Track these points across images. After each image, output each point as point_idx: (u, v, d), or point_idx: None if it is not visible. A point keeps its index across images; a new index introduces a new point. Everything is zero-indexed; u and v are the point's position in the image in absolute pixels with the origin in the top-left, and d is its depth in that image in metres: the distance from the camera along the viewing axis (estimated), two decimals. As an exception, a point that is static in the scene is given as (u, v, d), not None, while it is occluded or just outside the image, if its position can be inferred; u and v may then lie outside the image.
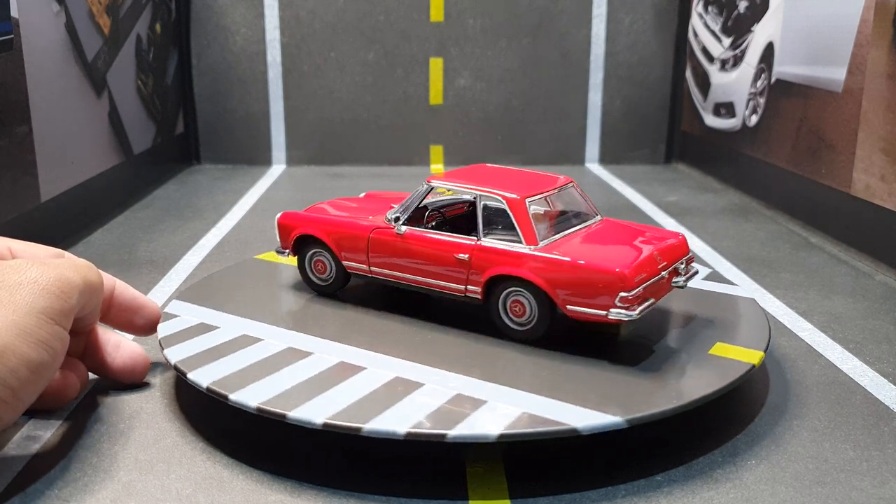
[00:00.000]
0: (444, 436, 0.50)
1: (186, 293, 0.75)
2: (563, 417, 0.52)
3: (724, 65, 1.59)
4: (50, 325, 0.52)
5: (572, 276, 0.61)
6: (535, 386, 0.57)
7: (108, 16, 1.32)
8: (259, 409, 0.54)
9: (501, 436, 0.51)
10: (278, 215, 0.77)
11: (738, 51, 1.52)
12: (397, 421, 0.52)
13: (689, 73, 1.77)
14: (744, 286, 0.94)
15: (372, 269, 0.72)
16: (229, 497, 0.51)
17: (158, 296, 0.89)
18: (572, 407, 0.53)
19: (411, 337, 0.66)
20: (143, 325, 0.68)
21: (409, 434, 0.51)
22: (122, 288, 0.67)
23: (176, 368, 0.60)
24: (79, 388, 0.62)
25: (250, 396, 0.55)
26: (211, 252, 1.08)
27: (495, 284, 0.65)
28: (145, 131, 1.49)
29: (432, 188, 0.71)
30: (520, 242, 0.64)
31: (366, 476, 0.54)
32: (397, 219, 0.70)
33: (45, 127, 1.07)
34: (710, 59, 1.64)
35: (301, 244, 0.76)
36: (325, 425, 0.52)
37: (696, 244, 1.14)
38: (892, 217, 1.00)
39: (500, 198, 0.66)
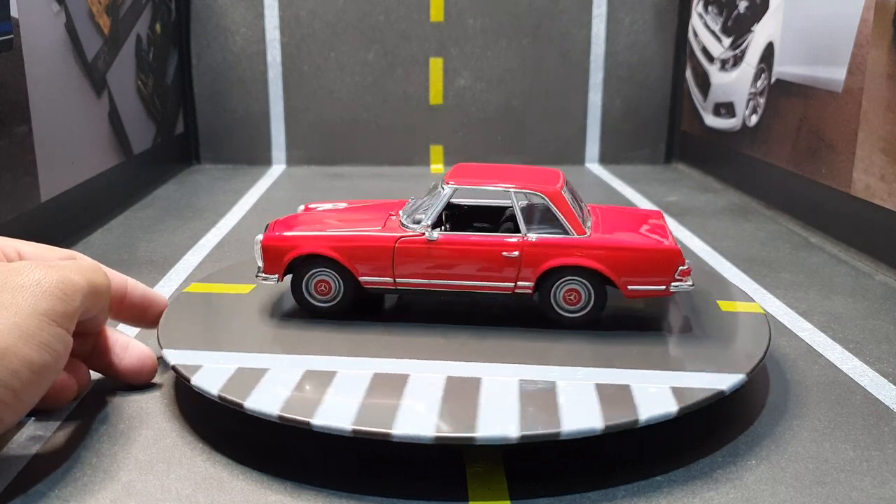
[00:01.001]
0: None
1: (169, 334, 0.65)
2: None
3: (724, 65, 1.59)
4: (52, 328, 0.52)
5: (633, 258, 0.66)
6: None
7: (108, 16, 1.32)
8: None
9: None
10: (259, 238, 0.69)
11: (738, 51, 1.52)
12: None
13: (689, 73, 1.77)
14: (744, 286, 0.94)
15: (398, 280, 0.68)
16: (229, 497, 0.51)
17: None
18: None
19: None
20: (153, 319, 0.70)
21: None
22: (134, 285, 0.68)
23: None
24: (76, 389, 0.62)
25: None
26: (211, 252, 1.08)
27: (547, 277, 0.68)
28: (145, 131, 1.49)
29: (456, 189, 0.68)
30: (567, 233, 0.67)
31: (365, 477, 0.54)
32: (417, 223, 0.68)
33: (45, 127, 1.07)
34: (710, 59, 1.64)
35: (296, 265, 0.69)
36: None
37: (696, 244, 1.14)
38: (892, 217, 1.00)
39: (539, 192, 0.68)
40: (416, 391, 0.56)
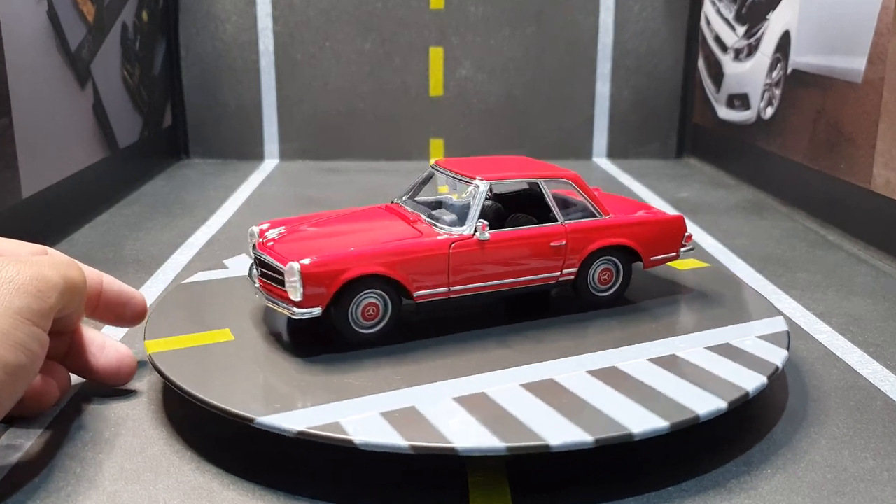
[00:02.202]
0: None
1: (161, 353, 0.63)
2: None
3: (737, 54, 1.58)
4: (27, 326, 0.52)
5: (654, 230, 0.75)
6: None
7: (93, 3, 1.31)
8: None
9: (510, 448, 0.51)
10: (296, 267, 0.61)
11: (752, 40, 1.52)
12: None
13: (701, 63, 1.77)
14: (758, 287, 0.94)
15: (452, 288, 0.67)
16: (219, 508, 0.51)
17: (145, 296, 0.89)
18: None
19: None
20: (131, 317, 0.69)
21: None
22: (110, 282, 0.67)
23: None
24: (58, 393, 0.62)
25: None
26: (200, 251, 1.08)
27: (587, 260, 0.72)
28: (131, 124, 1.49)
29: (490, 186, 0.69)
30: (595, 215, 0.73)
31: (362, 487, 0.53)
32: (455, 224, 0.68)
33: (27, 119, 1.06)
34: (724, 48, 1.64)
35: (342, 290, 0.63)
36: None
37: (708, 242, 1.14)
38: (914, 214, 1.00)
39: (565, 178, 0.73)
40: (507, 405, 0.55)
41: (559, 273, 0.71)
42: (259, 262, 0.67)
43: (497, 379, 0.59)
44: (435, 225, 0.68)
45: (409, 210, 0.72)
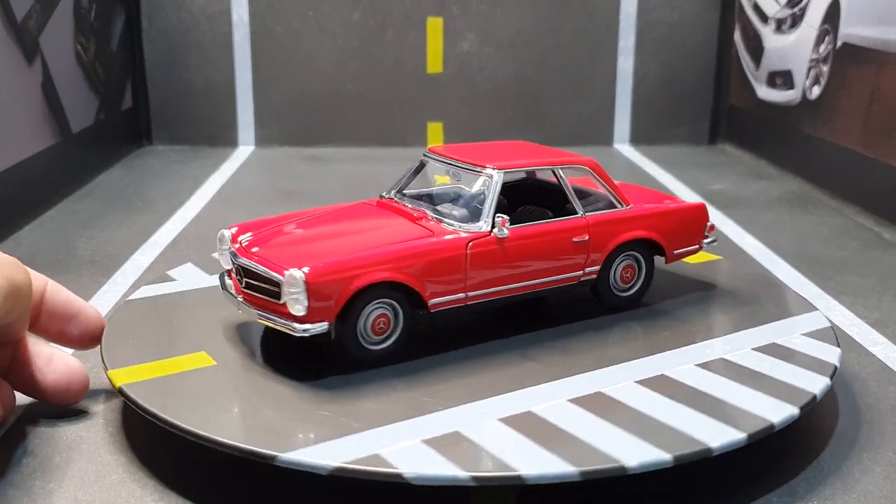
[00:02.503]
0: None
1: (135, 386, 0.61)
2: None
3: (780, 25, 1.58)
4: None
5: (677, 220, 0.77)
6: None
7: (42, -33, 1.32)
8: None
9: (583, 473, 0.51)
10: (298, 275, 0.60)
11: (796, 9, 1.52)
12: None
13: (737, 36, 1.77)
14: (804, 292, 0.94)
15: (469, 294, 0.66)
16: (186, 545, 0.51)
17: (101, 303, 0.89)
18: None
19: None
20: (80, 335, 0.67)
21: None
22: (55, 290, 0.66)
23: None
24: (2, 413, 0.61)
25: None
26: (165, 251, 1.08)
27: (611, 257, 0.73)
28: (86, 105, 1.49)
29: (504, 175, 0.69)
30: (615, 206, 0.74)
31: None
32: (467, 220, 0.68)
33: (-34, 100, 1.06)
34: (764, 18, 1.64)
35: (351, 301, 0.62)
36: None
37: (746, 241, 1.14)
38: (982, 208, 1.00)
39: (582, 164, 0.74)
40: (560, 423, 0.56)
41: (581, 272, 0.72)
42: (242, 271, 0.65)
43: (539, 395, 0.60)
44: (443, 222, 0.68)
45: (409, 205, 0.72)
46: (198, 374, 0.63)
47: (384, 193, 0.76)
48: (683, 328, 0.72)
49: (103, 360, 0.64)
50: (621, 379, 0.62)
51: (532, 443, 0.53)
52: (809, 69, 1.46)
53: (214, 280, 0.81)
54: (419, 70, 1.78)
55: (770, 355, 0.66)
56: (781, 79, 1.57)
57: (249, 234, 0.69)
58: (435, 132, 1.80)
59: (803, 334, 0.70)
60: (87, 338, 0.68)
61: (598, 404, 0.58)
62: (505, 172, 0.70)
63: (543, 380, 0.62)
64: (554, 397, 0.59)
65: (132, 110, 1.74)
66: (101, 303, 0.89)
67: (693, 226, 0.78)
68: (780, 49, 1.58)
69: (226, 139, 1.79)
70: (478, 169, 0.70)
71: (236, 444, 0.53)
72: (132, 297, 0.78)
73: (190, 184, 1.45)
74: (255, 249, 0.65)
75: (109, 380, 0.62)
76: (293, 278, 0.60)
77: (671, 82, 1.82)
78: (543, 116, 1.81)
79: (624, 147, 1.82)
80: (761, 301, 0.78)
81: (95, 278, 0.97)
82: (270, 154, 1.73)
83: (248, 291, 0.65)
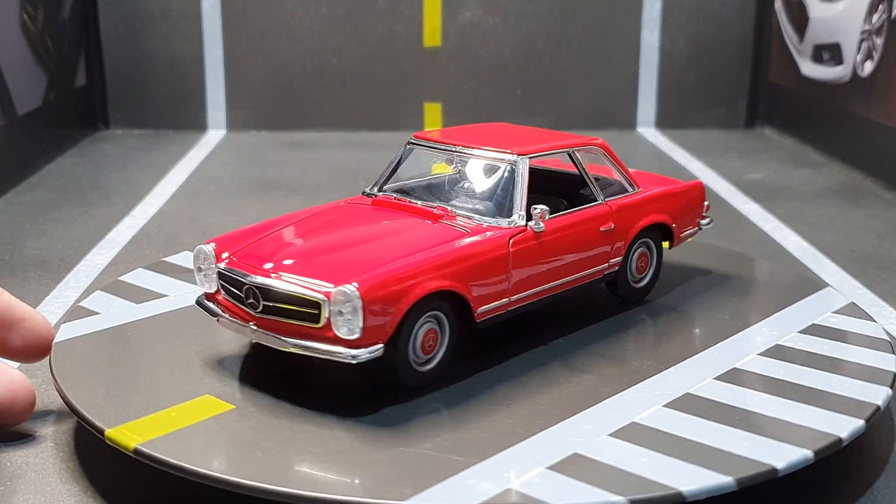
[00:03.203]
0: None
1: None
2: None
3: (827, -8, 1.58)
4: None
5: (682, 202, 0.81)
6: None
7: (-17, -75, 1.31)
8: None
9: (739, 481, 0.53)
10: (351, 291, 0.58)
11: (846, -27, 1.52)
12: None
13: (778, 4, 1.76)
14: (855, 297, 0.94)
15: (512, 298, 0.67)
16: (148, 588, 0.51)
17: (50, 310, 0.89)
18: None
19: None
20: (24, 345, 0.67)
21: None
22: None
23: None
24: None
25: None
26: (124, 250, 1.08)
27: (631, 245, 0.77)
28: (33, 83, 1.49)
29: (528, 162, 0.71)
30: (627, 189, 0.77)
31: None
32: (495, 216, 0.69)
33: None
34: (809, -16, 1.64)
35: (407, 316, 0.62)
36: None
37: (788, 239, 1.13)
38: None
39: (593, 145, 0.76)
40: (675, 430, 0.59)
41: (606, 264, 0.75)
42: (258, 293, 0.62)
43: (630, 404, 0.62)
44: (473, 218, 0.68)
45: (420, 202, 0.71)
46: (221, 422, 0.60)
47: (369, 189, 0.75)
48: (721, 333, 0.74)
49: (85, 418, 0.60)
50: (700, 377, 0.66)
51: (663, 455, 0.55)
52: (861, 42, 1.46)
53: (177, 289, 0.81)
54: (414, 43, 1.78)
55: (821, 367, 0.67)
56: (828, 53, 1.57)
57: (241, 247, 0.66)
58: (432, 114, 1.80)
59: (855, 343, 0.71)
60: (32, 349, 0.67)
61: (695, 406, 0.62)
62: (529, 158, 0.71)
63: (619, 389, 0.64)
64: (645, 405, 0.62)
65: (86, 89, 1.74)
66: (50, 309, 0.89)
67: (694, 206, 0.83)
68: (828, 19, 1.58)
69: (193, 122, 1.79)
70: (498, 155, 0.71)
71: (339, 498, 0.52)
72: (84, 303, 0.78)
73: (152, 173, 1.45)
74: (268, 265, 0.63)
75: (113, 442, 0.58)
76: (345, 295, 0.58)
77: (702, 58, 1.82)
78: (556, 97, 1.81)
79: (649, 132, 1.81)
80: (806, 307, 0.78)
81: (44, 282, 0.97)
82: (244, 139, 1.73)
83: (268, 316, 0.62)
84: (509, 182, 0.69)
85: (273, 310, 0.62)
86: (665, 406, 0.62)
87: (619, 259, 0.75)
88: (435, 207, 0.70)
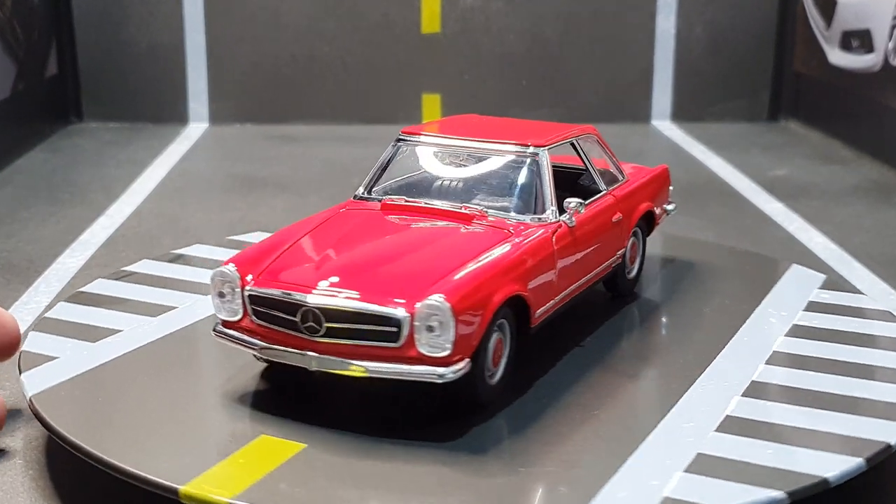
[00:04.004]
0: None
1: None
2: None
3: (856, -25, 1.58)
4: None
5: (659, 185, 0.86)
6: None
7: None
8: None
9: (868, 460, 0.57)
10: (439, 303, 0.58)
11: (877, -46, 1.52)
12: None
13: (804, -12, 1.77)
14: (886, 301, 0.94)
15: (556, 298, 0.69)
16: None
17: (19, 317, 0.89)
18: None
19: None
20: None
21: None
22: None
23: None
24: None
25: None
26: (98, 252, 1.08)
27: (630, 234, 0.81)
28: (0, 73, 1.49)
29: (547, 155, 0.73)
30: (619, 178, 0.81)
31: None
32: (523, 212, 0.70)
33: None
34: (837, -34, 1.64)
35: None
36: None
37: (815, 240, 1.13)
38: None
39: (587, 132, 0.80)
40: (772, 419, 0.62)
41: (615, 256, 0.78)
42: (319, 315, 0.60)
43: (709, 398, 0.65)
44: (508, 217, 0.69)
45: (438, 203, 0.70)
46: (301, 464, 0.57)
47: (361, 192, 0.74)
48: (735, 318, 0.77)
49: (151, 481, 0.56)
50: (749, 364, 0.70)
51: (783, 445, 0.58)
52: (893, 28, 1.46)
53: (156, 308, 0.79)
54: (412, 29, 1.78)
55: (855, 375, 0.68)
56: (858, 40, 1.57)
57: (265, 266, 0.64)
58: (431, 106, 1.80)
59: (887, 349, 0.72)
60: (1, 348, 0.68)
61: (763, 391, 0.66)
62: (548, 149, 0.72)
63: (682, 386, 0.67)
64: (725, 396, 0.65)
65: (57, 79, 1.74)
66: (19, 316, 0.89)
67: (665, 192, 0.88)
68: (857, 3, 1.58)
69: (173, 115, 1.79)
70: (515, 149, 0.72)
71: None
72: (50, 315, 0.78)
73: (129, 170, 1.45)
74: (324, 284, 0.61)
75: (192, 500, 0.55)
76: (433, 308, 0.58)
77: (722, 46, 1.82)
78: (564, 87, 1.81)
79: (664, 125, 1.81)
80: (836, 313, 0.79)
81: (12, 286, 0.97)
82: (228, 133, 1.73)
83: (333, 340, 0.61)
84: (535, 176, 0.71)
85: (339, 332, 0.60)
86: (744, 396, 0.65)
87: (623, 250, 0.79)
88: (461, 208, 0.69)
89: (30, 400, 0.62)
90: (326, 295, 0.60)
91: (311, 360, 0.61)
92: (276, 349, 0.62)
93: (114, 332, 0.75)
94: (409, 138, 0.75)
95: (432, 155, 0.75)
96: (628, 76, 1.82)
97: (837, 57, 1.64)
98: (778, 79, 1.84)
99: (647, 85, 1.83)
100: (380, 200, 0.73)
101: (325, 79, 1.79)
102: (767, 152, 1.60)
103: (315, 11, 1.77)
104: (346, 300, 0.60)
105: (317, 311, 0.60)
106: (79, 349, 0.71)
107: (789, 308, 0.80)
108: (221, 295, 0.64)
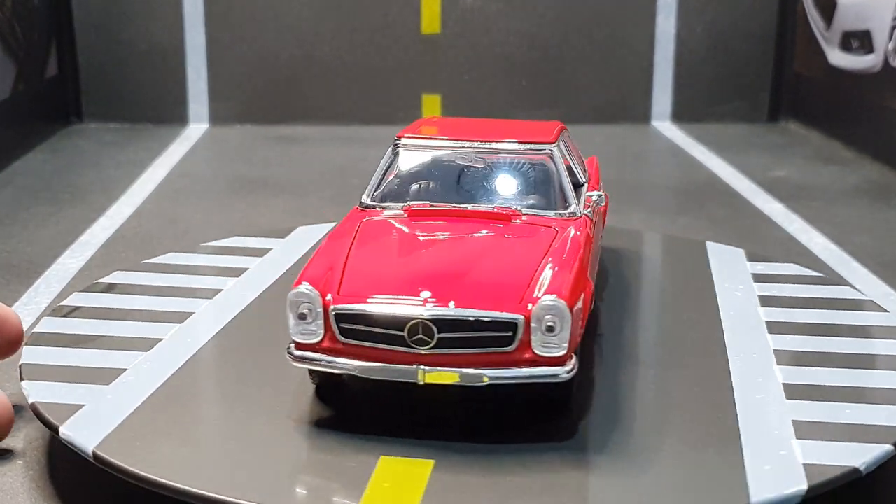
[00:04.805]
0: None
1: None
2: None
3: (856, -24, 1.58)
4: None
5: (597, 174, 0.88)
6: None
7: None
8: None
9: None
10: (554, 301, 0.59)
11: (877, -45, 1.52)
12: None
13: (804, -11, 1.77)
14: (886, 303, 0.93)
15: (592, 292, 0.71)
16: None
17: (20, 315, 0.89)
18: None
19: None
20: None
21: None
22: None
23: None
24: None
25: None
26: (98, 253, 1.08)
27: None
28: (0, 74, 1.49)
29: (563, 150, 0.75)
30: (585, 168, 0.84)
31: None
32: (555, 208, 0.72)
33: None
34: (837, -33, 1.64)
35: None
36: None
37: (815, 241, 1.13)
38: None
39: (565, 128, 0.82)
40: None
41: (601, 248, 0.82)
42: (422, 328, 0.59)
43: (752, 371, 0.68)
44: (540, 213, 0.70)
45: (470, 205, 0.70)
46: (440, 484, 0.56)
47: (367, 200, 0.72)
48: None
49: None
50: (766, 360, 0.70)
51: (854, 404, 0.62)
52: (893, 28, 1.46)
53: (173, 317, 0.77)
54: (412, 30, 1.78)
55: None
56: (858, 41, 1.57)
57: (338, 283, 0.62)
58: (431, 106, 1.80)
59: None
60: (4, 346, 0.68)
61: (795, 359, 0.69)
62: (558, 145, 0.75)
63: (720, 365, 0.68)
64: (765, 367, 0.68)
65: (57, 79, 1.74)
66: (19, 315, 0.89)
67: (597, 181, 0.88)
68: (857, 4, 1.58)
69: (173, 115, 1.79)
70: (531, 147, 0.73)
71: None
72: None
73: (129, 171, 1.45)
74: (426, 294, 0.60)
75: None
76: (551, 308, 0.58)
77: (722, 46, 1.82)
78: (565, 88, 1.81)
79: (664, 125, 1.81)
80: (782, 282, 0.83)
81: (13, 287, 0.97)
82: (228, 134, 1.73)
83: (444, 351, 0.59)
84: (556, 172, 0.72)
85: (450, 343, 0.59)
86: (781, 365, 0.68)
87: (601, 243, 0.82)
88: (498, 209, 0.70)
89: (93, 453, 0.57)
90: (437, 305, 0.59)
91: (421, 374, 0.59)
92: (377, 367, 0.60)
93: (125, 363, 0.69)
94: (403, 143, 0.74)
95: (436, 158, 0.74)
96: (628, 76, 1.82)
97: (837, 58, 1.64)
98: (778, 79, 1.84)
99: (647, 85, 1.83)
100: (383, 207, 0.71)
101: (325, 79, 1.79)
102: (767, 153, 1.60)
103: (315, 12, 1.77)
104: (460, 309, 0.59)
105: (428, 322, 0.59)
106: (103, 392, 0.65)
107: (740, 281, 0.84)
108: (302, 317, 0.61)
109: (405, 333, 0.59)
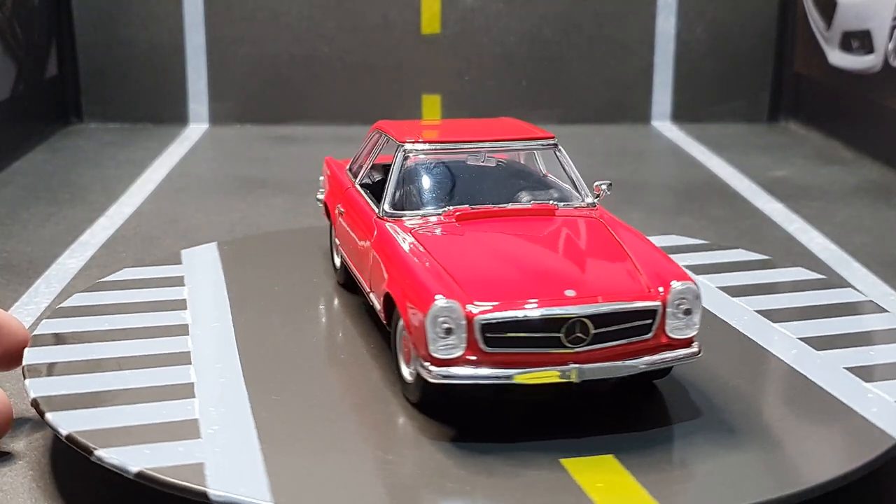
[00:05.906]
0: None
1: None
2: None
3: (856, -25, 1.58)
4: None
5: None
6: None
7: None
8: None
9: None
10: (690, 286, 0.61)
11: (877, -45, 1.52)
12: None
13: (804, -12, 1.77)
14: (886, 303, 0.93)
15: None
16: None
17: (20, 318, 0.89)
18: None
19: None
20: (1, 353, 0.67)
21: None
22: None
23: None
24: None
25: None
26: (98, 253, 1.08)
27: None
28: (0, 74, 1.49)
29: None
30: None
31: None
32: (570, 200, 0.75)
33: None
34: (837, -34, 1.64)
35: None
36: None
37: (815, 241, 1.13)
38: None
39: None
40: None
41: None
42: (579, 327, 0.59)
43: (784, 346, 0.71)
44: (568, 205, 0.73)
45: (509, 204, 0.71)
46: (650, 479, 0.56)
47: (387, 209, 0.70)
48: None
49: None
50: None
51: None
52: (893, 28, 1.46)
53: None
54: (412, 30, 1.78)
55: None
56: (858, 40, 1.57)
57: (472, 290, 0.60)
58: (431, 106, 1.80)
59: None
60: (9, 356, 0.68)
61: (825, 343, 0.72)
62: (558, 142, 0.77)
63: (750, 343, 0.73)
64: (791, 348, 0.71)
65: (57, 79, 1.74)
66: (19, 317, 0.89)
67: None
68: (857, 4, 1.58)
69: (173, 115, 1.79)
70: (538, 143, 0.76)
71: None
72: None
73: (129, 170, 1.45)
74: (571, 293, 0.60)
75: None
76: (686, 292, 0.61)
77: (722, 46, 1.82)
78: (564, 88, 1.81)
79: (664, 125, 1.81)
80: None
81: (12, 287, 0.97)
82: (228, 134, 1.73)
83: (594, 348, 0.60)
84: (566, 164, 0.75)
85: (602, 337, 0.60)
86: (815, 349, 0.71)
87: None
88: (535, 205, 0.72)
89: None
90: (588, 303, 0.60)
91: (575, 373, 0.59)
92: (531, 372, 0.59)
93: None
94: (416, 147, 0.74)
95: (448, 161, 0.75)
96: (628, 76, 1.82)
97: (837, 58, 1.64)
98: (778, 79, 1.84)
99: (647, 85, 1.83)
100: (401, 217, 0.70)
101: (325, 79, 1.79)
102: (767, 153, 1.60)
103: (315, 12, 1.77)
104: (609, 303, 0.60)
105: (585, 320, 0.59)
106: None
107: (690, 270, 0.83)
108: (449, 332, 0.59)
109: (562, 334, 0.59)
